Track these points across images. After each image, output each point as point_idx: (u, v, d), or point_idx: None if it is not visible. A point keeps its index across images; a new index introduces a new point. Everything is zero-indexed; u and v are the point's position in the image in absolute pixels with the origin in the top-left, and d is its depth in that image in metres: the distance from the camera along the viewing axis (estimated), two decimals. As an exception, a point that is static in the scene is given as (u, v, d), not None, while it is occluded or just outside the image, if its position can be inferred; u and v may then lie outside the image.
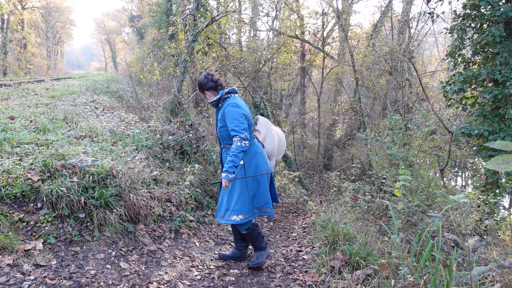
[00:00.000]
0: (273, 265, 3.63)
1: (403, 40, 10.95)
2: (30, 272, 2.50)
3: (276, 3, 13.74)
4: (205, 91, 3.29)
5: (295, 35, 13.49)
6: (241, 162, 3.20)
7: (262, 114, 8.84)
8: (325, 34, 15.06)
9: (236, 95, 3.30)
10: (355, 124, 14.41)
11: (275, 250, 4.15)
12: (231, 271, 3.39)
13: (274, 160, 5.60)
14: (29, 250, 2.67)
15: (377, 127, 10.80)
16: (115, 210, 3.31)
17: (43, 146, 3.89)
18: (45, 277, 2.51)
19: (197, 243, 3.94)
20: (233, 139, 3.03)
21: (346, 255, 3.13)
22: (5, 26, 25.50)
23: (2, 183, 2.95)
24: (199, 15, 6.31)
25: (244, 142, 3.00)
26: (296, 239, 4.50)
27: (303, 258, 3.72)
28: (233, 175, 3.00)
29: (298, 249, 4.06)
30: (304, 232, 4.76)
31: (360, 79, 12.14)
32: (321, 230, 3.95)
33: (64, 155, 3.52)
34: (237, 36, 12.96)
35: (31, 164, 3.30)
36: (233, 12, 7.37)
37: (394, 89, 10.29)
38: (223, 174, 2.98)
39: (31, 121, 5.08)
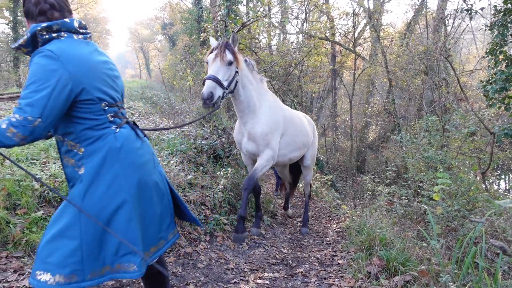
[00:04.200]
0: (308, 269, 3.61)
1: (439, 39, 10.58)
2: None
3: (305, 6, 13.70)
4: (27, 20, 1.70)
5: (325, 37, 13.37)
6: (81, 172, 1.63)
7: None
8: (356, 35, 14.84)
9: (76, 37, 1.72)
10: (389, 126, 14.06)
11: (309, 254, 4.13)
12: (266, 274, 3.41)
13: (267, 154, 3.77)
14: (74, 250, 2.81)
15: (412, 128, 10.49)
16: (153, 213, 3.41)
17: (85, 151, 4.08)
18: (89, 276, 2.64)
19: (231, 246, 3.99)
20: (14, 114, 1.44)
21: (383, 260, 3.07)
22: (47, 38, 26.99)
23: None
24: (230, 21, 6.42)
25: (19, 124, 1.41)
26: (330, 244, 4.45)
27: (338, 263, 3.68)
28: None
29: (333, 253, 4.02)
30: (338, 236, 4.70)
31: (393, 80, 11.86)
32: (356, 235, 3.89)
33: (105, 160, 3.68)
34: (267, 40, 13.04)
35: (75, 169, 3.47)
36: (263, 17, 7.43)
37: (430, 89, 9.96)
38: None
39: (73, 128, 5.34)
